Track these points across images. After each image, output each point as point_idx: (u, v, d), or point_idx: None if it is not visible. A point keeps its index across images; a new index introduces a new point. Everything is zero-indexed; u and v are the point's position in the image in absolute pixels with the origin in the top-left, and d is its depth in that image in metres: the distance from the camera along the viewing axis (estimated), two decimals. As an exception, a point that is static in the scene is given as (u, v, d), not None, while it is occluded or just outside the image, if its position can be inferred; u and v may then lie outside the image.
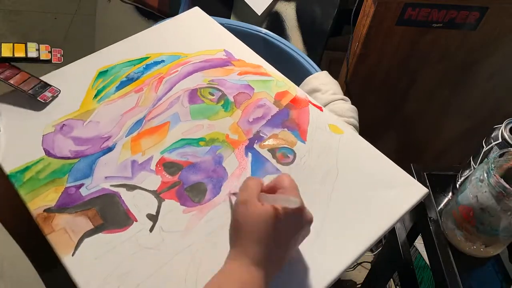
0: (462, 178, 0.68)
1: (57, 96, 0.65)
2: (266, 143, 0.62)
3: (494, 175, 0.52)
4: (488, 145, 0.63)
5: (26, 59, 0.66)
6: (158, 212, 0.54)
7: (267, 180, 0.52)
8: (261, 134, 0.63)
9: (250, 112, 0.66)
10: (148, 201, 0.54)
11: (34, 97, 0.63)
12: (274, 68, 0.72)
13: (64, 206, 0.53)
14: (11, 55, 0.65)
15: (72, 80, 0.67)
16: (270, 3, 1.08)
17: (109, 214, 0.53)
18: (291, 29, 1.10)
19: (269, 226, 0.44)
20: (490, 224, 0.55)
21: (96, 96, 0.65)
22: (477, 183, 0.55)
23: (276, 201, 0.45)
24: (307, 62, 0.89)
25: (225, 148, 0.61)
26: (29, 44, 0.67)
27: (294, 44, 1.05)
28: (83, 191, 0.55)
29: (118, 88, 0.67)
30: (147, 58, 0.71)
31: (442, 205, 0.68)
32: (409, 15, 0.87)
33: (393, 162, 0.60)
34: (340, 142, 0.63)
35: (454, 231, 0.61)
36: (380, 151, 0.61)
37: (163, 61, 0.71)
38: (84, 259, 0.49)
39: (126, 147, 0.60)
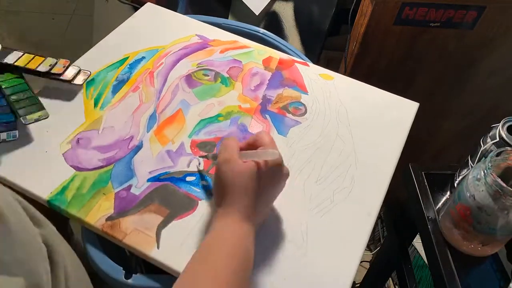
0: (460, 177, 0.68)
1: (88, 78, 0.67)
2: (276, 103, 0.68)
3: (491, 174, 0.52)
4: (486, 144, 0.63)
5: (34, 72, 0.65)
6: None
7: (292, 133, 0.64)
8: (268, 97, 0.69)
9: (248, 82, 0.71)
10: (201, 180, 0.58)
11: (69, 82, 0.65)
12: (249, 40, 0.78)
13: (124, 209, 0.54)
14: (23, 65, 0.64)
15: (63, 95, 0.66)
16: (268, 3, 1.08)
17: (172, 202, 0.55)
18: (289, 29, 1.10)
19: (253, 180, 0.47)
20: (487, 223, 0.55)
21: (96, 104, 0.66)
22: (474, 182, 0.55)
23: (257, 156, 0.48)
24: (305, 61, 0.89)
25: (244, 116, 0.66)
26: (48, 59, 0.67)
27: (292, 43, 1.05)
28: (135, 191, 0.56)
29: (114, 92, 0.67)
30: (127, 58, 0.72)
31: (440, 204, 0.68)
32: (406, 15, 0.87)
33: (383, 90, 0.72)
34: (335, 86, 0.72)
35: (452, 230, 0.61)
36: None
37: (143, 57, 0.73)
38: (170, 248, 0.51)
39: (153, 141, 0.62)
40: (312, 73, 0.73)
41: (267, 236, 0.53)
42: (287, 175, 0.51)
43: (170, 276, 0.51)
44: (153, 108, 0.66)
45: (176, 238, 0.52)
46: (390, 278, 1.20)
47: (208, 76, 0.71)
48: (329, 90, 0.71)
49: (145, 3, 0.85)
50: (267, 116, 0.66)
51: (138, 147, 0.61)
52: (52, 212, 0.58)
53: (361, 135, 0.65)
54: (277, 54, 0.76)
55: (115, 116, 0.64)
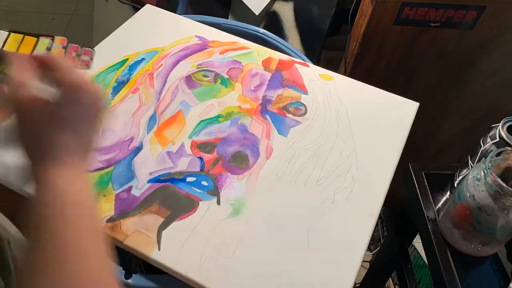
0: (460, 177, 0.68)
1: (93, 56, 0.54)
2: (276, 103, 0.68)
3: (491, 174, 0.52)
4: (486, 144, 0.63)
5: None
6: (216, 186, 0.57)
7: (292, 133, 0.64)
8: (268, 98, 0.69)
9: (248, 82, 0.71)
10: (202, 180, 0.58)
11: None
12: (248, 41, 0.78)
13: (124, 211, 0.54)
14: (15, 50, 0.55)
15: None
16: (268, 3, 1.08)
17: (173, 203, 0.55)
18: (289, 28, 1.10)
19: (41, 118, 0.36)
20: (487, 223, 0.55)
21: None
22: (474, 182, 0.55)
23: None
24: (305, 61, 0.89)
25: (244, 117, 0.66)
26: (41, 39, 0.55)
27: (292, 43, 1.05)
28: (135, 192, 0.56)
29: (114, 93, 0.67)
30: (126, 60, 0.73)
31: (440, 204, 0.68)
32: (406, 15, 0.87)
33: (382, 90, 0.71)
34: (335, 86, 0.72)
35: (452, 230, 0.61)
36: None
37: (143, 59, 0.73)
38: (171, 249, 0.51)
39: (154, 142, 0.62)
40: (312, 74, 0.74)
41: (269, 237, 0.53)
42: (98, 97, 0.39)
43: (170, 276, 0.51)
44: (153, 109, 0.66)
45: (178, 239, 0.52)
46: (390, 278, 1.19)
47: (208, 77, 0.71)
48: (329, 90, 0.71)
49: (145, 3, 0.85)
50: (268, 116, 0.66)
51: (139, 149, 0.61)
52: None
53: (361, 135, 0.65)
54: (276, 55, 0.76)
55: (115, 117, 0.64)
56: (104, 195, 0.55)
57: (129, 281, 0.54)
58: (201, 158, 0.60)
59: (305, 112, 0.68)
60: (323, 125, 0.66)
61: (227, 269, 0.50)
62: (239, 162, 0.60)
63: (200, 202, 0.55)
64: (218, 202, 0.56)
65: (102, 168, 0.58)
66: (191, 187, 0.57)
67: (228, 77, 0.71)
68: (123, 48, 0.74)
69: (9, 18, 1.97)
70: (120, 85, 0.69)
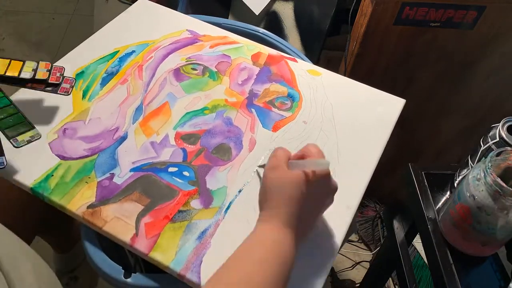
0: (460, 177, 0.68)
1: (74, 84, 0.62)
2: (263, 97, 0.69)
3: (491, 174, 0.52)
4: (486, 144, 0.63)
5: (18, 79, 0.58)
6: (197, 177, 0.58)
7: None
8: (254, 92, 0.70)
9: (236, 76, 0.72)
10: (183, 171, 0.58)
11: (55, 92, 0.60)
12: (239, 36, 0.79)
13: (105, 198, 0.55)
14: (2, 73, 0.58)
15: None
16: (268, 3, 1.08)
17: (153, 192, 0.56)
18: (289, 28, 1.10)
19: (299, 190, 0.46)
20: (487, 223, 0.54)
21: (84, 96, 0.67)
22: (474, 182, 0.55)
23: (305, 166, 0.48)
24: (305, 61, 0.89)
25: (229, 110, 0.67)
26: (27, 62, 0.60)
27: (292, 43, 1.05)
28: (117, 180, 0.57)
29: (103, 84, 0.69)
30: (117, 52, 0.74)
31: (440, 204, 0.68)
32: (406, 15, 0.87)
33: (369, 86, 0.72)
34: (322, 81, 0.73)
35: (452, 230, 0.61)
36: (379, 150, 0.65)
37: (133, 51, 0.74)
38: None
39: (138, 132, 0.63)
40: (300, 69, 0.75)
41: (245, 227, 0.52)
42: (335, 189, 0.51)
43: (169, 275, 0.51)
44: (140, 100, 0.67)
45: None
46: (390, 278, 1.19)
47: (197, 70, 0.72)
48: (316, 85, 0.72)
49: (146, 2, 0.85)
50: (253, 110, 0.67)
51: (123, 138, 0.62)
52: (55, 217, 0.58)
53: (344, 130, 0.66)
54: (266, 50, 0.77)
55: (102, 107, 0.65)
56: (86, 182, 0.56)
57: (129, 280, 0.54)
58: (184, 149, 0.61)
59: (291, 107, 0.68)
60: (308, 120, 0.67)
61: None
62: (221, 154, 0.61)
63: (180, 191, 0.56)
64: (199, 193, 0.56)
65: (86, 156, 0.59)
66: (172, 177, 0.57)
67: (216, 70, 0.72)
68: (114, 40, 0.76)
69: (9, 18, 1.97)
70: (109, 76, 0.70)
